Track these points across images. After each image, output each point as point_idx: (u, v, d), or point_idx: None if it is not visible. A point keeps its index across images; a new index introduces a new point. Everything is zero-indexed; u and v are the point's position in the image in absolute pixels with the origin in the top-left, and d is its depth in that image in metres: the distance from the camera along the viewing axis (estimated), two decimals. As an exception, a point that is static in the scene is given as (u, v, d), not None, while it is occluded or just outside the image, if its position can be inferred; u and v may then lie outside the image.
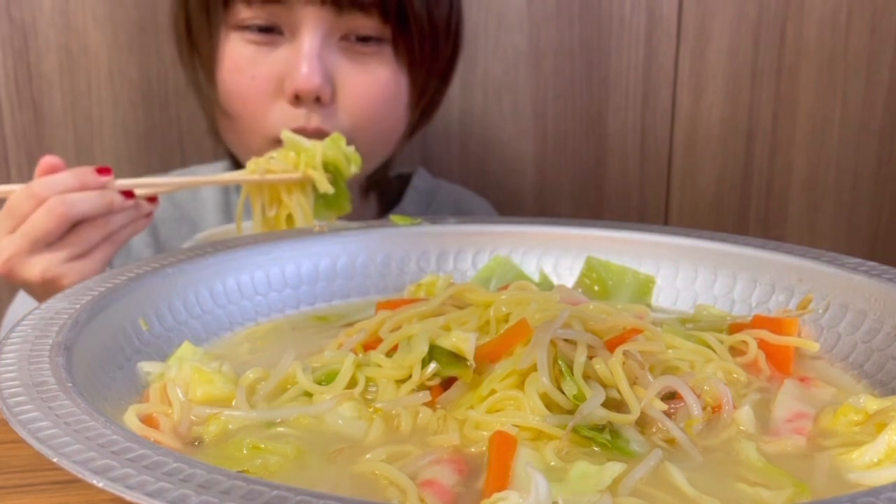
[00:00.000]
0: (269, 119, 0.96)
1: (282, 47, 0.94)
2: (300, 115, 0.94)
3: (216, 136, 1.07)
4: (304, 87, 0.92)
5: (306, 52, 0.92)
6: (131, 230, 0.85)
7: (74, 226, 0.80)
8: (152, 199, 0.86)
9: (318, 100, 0.94)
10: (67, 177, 0.80)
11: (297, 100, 0.93)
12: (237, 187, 1.10)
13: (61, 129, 1.22)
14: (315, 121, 0.94)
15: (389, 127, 1.02)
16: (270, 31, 0.94)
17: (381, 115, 0.99)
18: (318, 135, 0.94)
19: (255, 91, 0.95)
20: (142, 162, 1.26)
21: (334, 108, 0.96)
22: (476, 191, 1.29)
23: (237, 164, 1.08)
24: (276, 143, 0.95)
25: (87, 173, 0.81)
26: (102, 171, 0.82)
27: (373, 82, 0.97)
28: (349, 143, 0.92)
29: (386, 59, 0.97)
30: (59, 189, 0.79)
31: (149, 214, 0.86)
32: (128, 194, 0.83)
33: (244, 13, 0.94)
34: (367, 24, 0.94)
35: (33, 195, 0.78)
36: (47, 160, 0.82)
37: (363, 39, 0.96)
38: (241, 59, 0.95)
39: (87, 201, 0.79)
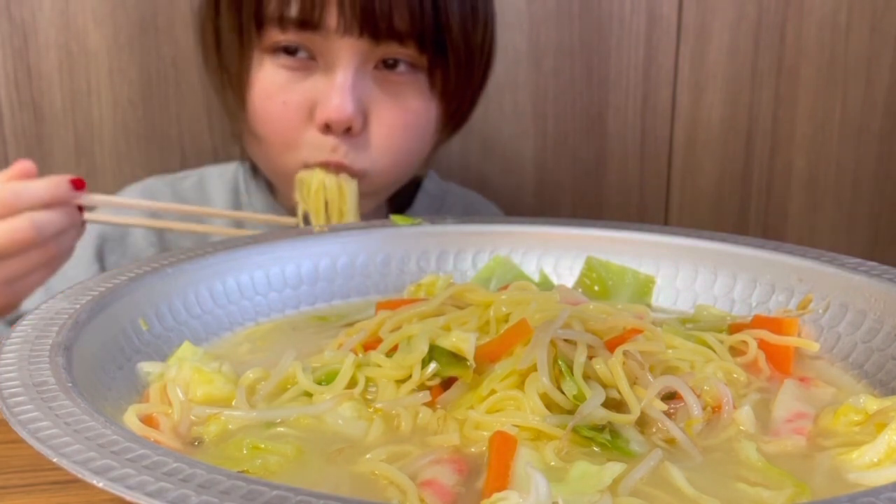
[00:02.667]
0: (298, 146, 0.94)
1: (315, 75, 0.93)
2: (328, 145, 0.93)
3: (237, 136, 1.06)
4: (335, 117, 0.90)
5: (340, 82, 0.90)
6: (71, 246, 0.83)
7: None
8: (81, 209, 0.83)
9: (348, 129, 0.92)
10: (41, 189, 0.78)
11: (327, 128, 0.92)
12: (246, 189, 1.10)
13: (61, 129, 1.22)
14: (340, 152, 0.93)
15: (414, 156, 1.00)
16: (303, 56, 0.92)
17: (408, 145, 0.97)
18: (338, 169, 0.93)
19: (286, 117, 0.93)
20: (142, 162, 1.26)
21: (363, 139, 0.94)
22: (476, 190, 1.29)
23: (253, 168, 1.09)
24: (303, 167, 0.95)
25: (61, 186, 0.79)
26: (77, 183, 0.81)
27: (404, 114, 0.95)
28: (372, 172, 0.95)
29: (420, 88, 0.96)
30: (30, 201, 0.77)
31: (81, 224, 0.84)
32: (80, 209, 0.82)
33: (278, 37, 0.92)
34: (403, 53, 0.93)
35: (2, 203, 0.76)
36: (21, 165, 0.80)
37: (396, 65, 0.94)
38: (272, 85, 0.93)
39: (53, 224, 0.77)
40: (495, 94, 1.33)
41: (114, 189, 1.24)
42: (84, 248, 1.01)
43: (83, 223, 0.84)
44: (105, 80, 1.22)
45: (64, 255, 0.82)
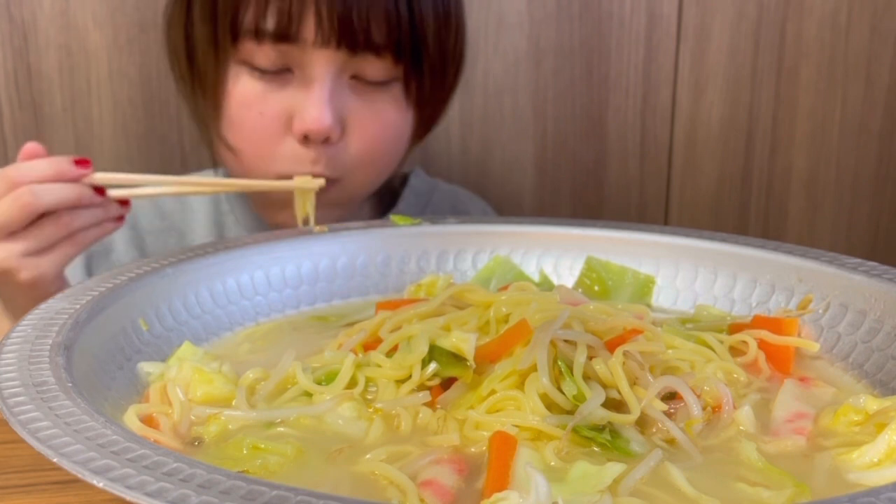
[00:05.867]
0: (276, 158, 0.93)
1: (291, 85, 0.92)
2: (307, 157, 0.92)
3: (208, 144, 1.04)
4: (314, 128, 0.89)
5: (317, 95, 0.89)
6: (98, 231, 0.83)
7: (39, 218, 0.79)
8: (124, 203, 0.84)
9: (326, 139, 0.91)
10: (43, 165, 0.79)
11: (305, 140, 0.91)
12: (227, 200, 1.09)
13: (61, 129, 1.22)
14: (321, 164, 0.92)
15: (388, 163, 1.00)
16: (280, 70, 0.91)
17: (383, 153, 0.97)
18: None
19: (262, 127, 0.92)
20: (142, 162, 1.26)
21: (340, 147, 0.93)
22: (476, 191, 1.29)
23: (228, 177, 1.07)
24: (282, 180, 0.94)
25: (63, 163, 0.80)
26: (81, 162, 0.81)
27: (380, 123, 0.94)
28: (347, 180, 0.94)
29: (395, 96, 0.95)
30: (32, 177, 0.78)
31: (119, 218, 0.84)
32: (99, 191, 0.82)
33: (254, 51, 0.90)
34: (378, 65, 0.92)
35: (6, 178, 0.78)
36: (29, 147, 0.81)
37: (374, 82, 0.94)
38: (249, 95, 0.92)
39: (54, 193, 0.78)
40: (495, 95, 1.33)
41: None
42: (74, 266, 1.01)
43: (122, 205, 0.84)
44: (105, 80, 1.22)
45: (90, 233, 0.82)
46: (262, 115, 0.92)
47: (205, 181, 0.94)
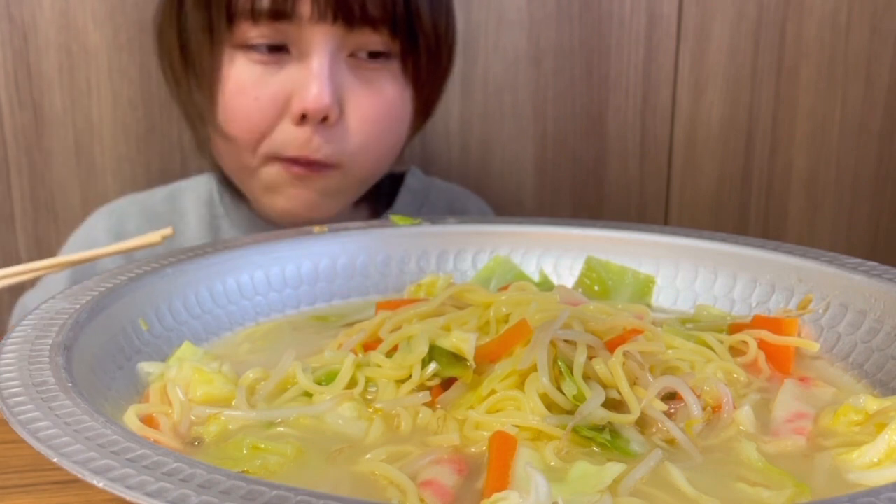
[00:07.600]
0: (271, 139, 0.92)
1: (289, 66, 0.91)
2: (303, 138, 0.91)
3: (202, 151, 1.04)
4: (313, 106, 0.89)
5: (316, 71, 0.89)
6: None
7: None
8: None
9: (324, 119, 0.91)
10: None
11: (303, 119, 0.90)
12: (222, 203, 1.08)
13: (61, 129, 1.22)
14: (314, 146, 0.91)
15: (391, 146, 0.99)
16: (277, 50, 0.91)
17: (385, 134, 0.97)
18: (308, 166, 0.92)
19: (258, 113, 0.92)
20: (142, 162, 1.26)
21: (339, 129, 0.93)
22: (476, 190, 1.29)
23: (224, 178, 1.07)
24: (273, 160, 0.93)
25: None
26: None
27: (380, 101, 0.94)
28: (348, 164, 0.93)
29: (393, 74, 0.95)
30: None
31: None
32: None
33: (250, 32, 0.90)
34: (376, 40, 0.92)
35: None
36: None
37: (371, 55, 0.93)
38: (246, 81, 0.92)
39: None
40: (495, 94, 1.33)
41: (113, 189, 1.24)
42: (58, 281, 1.00)
43: None
44: (105, 80, 1.22)
45: None
46: (257, 100, 0.92)
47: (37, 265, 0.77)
